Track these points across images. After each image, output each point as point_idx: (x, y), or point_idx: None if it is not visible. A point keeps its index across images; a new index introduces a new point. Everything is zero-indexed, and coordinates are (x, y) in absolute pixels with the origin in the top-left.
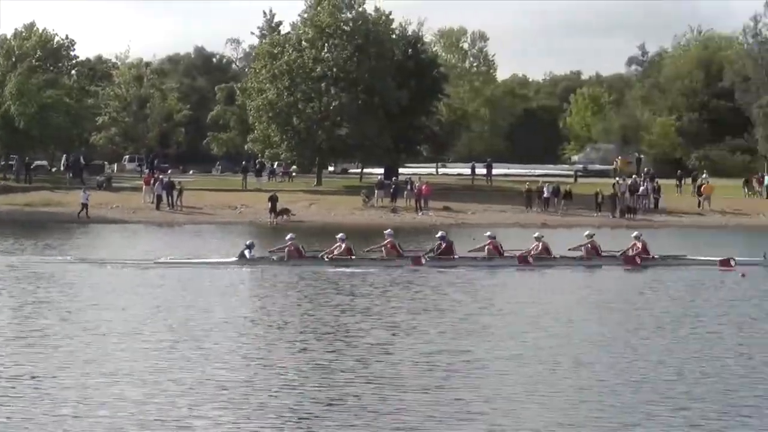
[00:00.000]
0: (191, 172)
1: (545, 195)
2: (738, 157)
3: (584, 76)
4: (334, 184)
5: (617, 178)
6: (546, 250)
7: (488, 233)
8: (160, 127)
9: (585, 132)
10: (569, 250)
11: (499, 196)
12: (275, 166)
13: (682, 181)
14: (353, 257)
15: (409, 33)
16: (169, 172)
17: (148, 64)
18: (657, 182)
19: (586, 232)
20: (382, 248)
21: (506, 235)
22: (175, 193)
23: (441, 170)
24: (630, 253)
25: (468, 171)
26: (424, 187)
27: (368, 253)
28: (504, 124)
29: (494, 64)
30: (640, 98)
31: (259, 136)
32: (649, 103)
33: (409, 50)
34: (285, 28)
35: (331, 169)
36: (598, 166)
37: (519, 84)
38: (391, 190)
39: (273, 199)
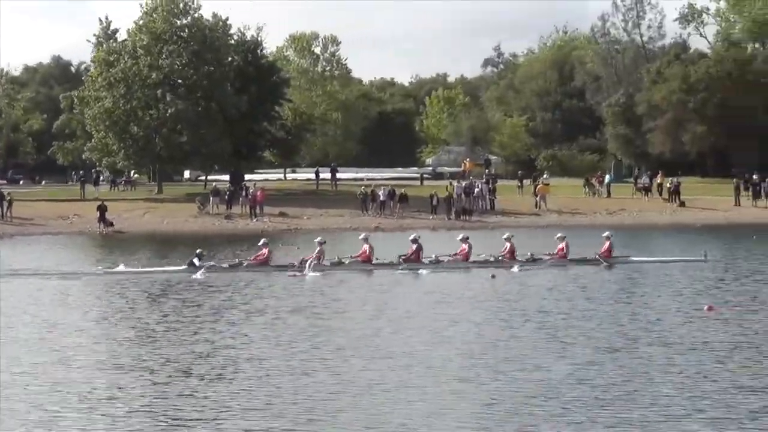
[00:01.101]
0: (43, 182)
1: (381, 198)
2: (587, 156)
3: (450, 78)
4: (176, 191)
5: (451, 180)
6: (512, 252)
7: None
8: (7, 138)
9: (441, 135)
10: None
11: (339, 200)
12: (115, 175)
13: (523, 182)
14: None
15: (248, 38)
16: (21, 182)
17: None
18: (493, 183)
19: (558, 235)
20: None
21: (340, 238)
22: (5, 204)
23: (290, 175)
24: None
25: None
26: (258, 193)
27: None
28: (356, 129)
29: (347, 67)
30: (495, 99)
31: (96, 145)
32: (504, 104)
33: (249, 56)
34: (122, 36)
35: (186, 175)
36: (447, 169)
37: (379, 87)
38: (226, 197)
39: (101, 209)
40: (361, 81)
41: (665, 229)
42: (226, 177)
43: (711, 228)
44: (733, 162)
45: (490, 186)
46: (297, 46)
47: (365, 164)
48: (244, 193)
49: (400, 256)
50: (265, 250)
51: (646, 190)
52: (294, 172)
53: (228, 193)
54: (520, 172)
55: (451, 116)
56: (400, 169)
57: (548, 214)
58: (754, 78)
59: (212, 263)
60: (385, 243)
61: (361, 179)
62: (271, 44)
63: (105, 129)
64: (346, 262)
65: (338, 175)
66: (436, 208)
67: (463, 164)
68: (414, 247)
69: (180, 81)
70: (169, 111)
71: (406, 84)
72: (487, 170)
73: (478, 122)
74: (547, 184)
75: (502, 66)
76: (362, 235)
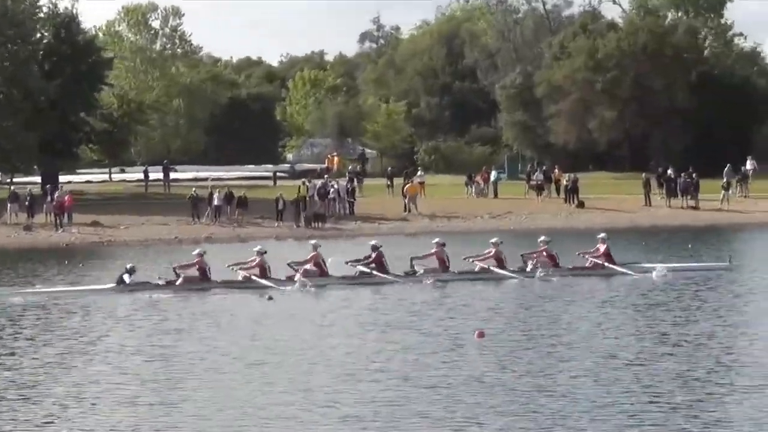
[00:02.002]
0: None
1: (216, 203)
2: (477, 148)
3: (328, 57)
4: None
5: (304, 180)
6: (500, 260)
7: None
8: None
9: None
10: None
11: (171, 206)
12: None
13: (393, 181)
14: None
15: (62, 11)
16: None
17: None
18: (358, 183)
19: (541, 238)
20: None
21: (162, 252)
22: None
23: (118, 176)
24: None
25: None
26: (66, 198)
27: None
28: (203, 117)
29: (191, 44)
30: (372, 81)
31: None
32: (383, 87)
33: (62, 31)
34: None
35: None
36: (307, 166)
37: (237, 69)
38: (27, 203)
39: None
40: (220, 61)
41: (556, 235)
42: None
43: (610, 232)
44: (651, 153)
45: (349, 186)
46: (130, 20)
47: (216, 161)
48: (48, 199)
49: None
50: (198, 260)
51: (540, 188)
52: (123, 171)
53: (29, 198)
54: (389, 168)
55: (317, 102)
56: (251, 167)
57: (419, 219)
58: (674, 52)
59: (147, 281)
60: (222, 255)
61: (204, 179)
62: (98, 18)
63: None
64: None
65: (174, 175)
66: (283, 214)
67: (327, 160)
68: (374, 255)
69: None
70: None
71: (275, 64)
72: (350, 167)
73: (346, 109)
74: (422, 183)
75: (382, 41)
76: (313, 241)
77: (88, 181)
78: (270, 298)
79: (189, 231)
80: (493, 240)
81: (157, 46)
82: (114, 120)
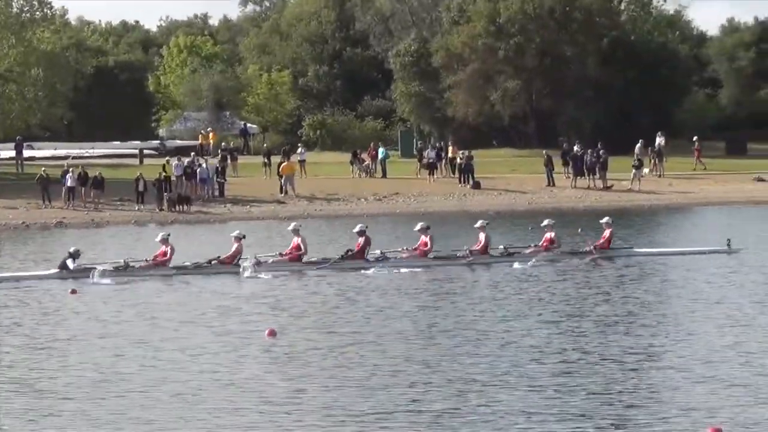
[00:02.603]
0: None
1: (69, 183)
2: (369, 123)
3: (213, 21)
4: None
5: (168, 159)
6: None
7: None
8: None
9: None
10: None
11: (22, 187)
12: None
13: (270, 159)
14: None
15: None
16: None
17: None
18: (232, 161)
19: (544, 223)
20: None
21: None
22: None
23: None
24: (600, 242)
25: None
26: None
27: None
28: (65, 88)
29: (52, 7)
30: (256, 48)
31: None
32: (268, 55)
33: None
34: None
35: None
36: (180, 142)
37: (106, 34)
38: None
39: None
40: (91, 27)
41: (445, 218)
42: None
43: (506, 216)
44: (560, 128)
45: (219, 166)
46: None
47: (83, 137)
48: None
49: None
50: (165, 248)
51: (432, 167)
52: None
53: None
54: (265, 145)
55: (191, 71)
56: (116, 143)
57: (295, 202)
58: (585, 16)
59: (93, 265)
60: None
61: (64, 158)
62: None
63: None
64: (269, 261)
65: (31, 153)
66: (144, 196)
67: (200, 136)
68: (361, 240)
69: None
70: None
71: (155, 29)
72: (223, 144)
73: (223, 79)
74: (302, 161)
75: (267, 4)
76: (292, 226)
77: None
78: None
79: (39, 216)
80: (479, 224)
81: (14, 9)
82: None
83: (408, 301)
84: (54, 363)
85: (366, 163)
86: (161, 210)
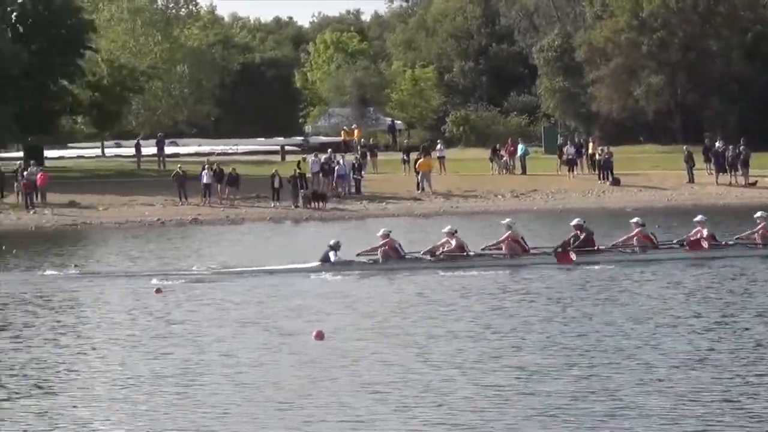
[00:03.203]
0: None
1: (205, 180)
2: (513, 119)
3: (365, 18)
4: None
5: (304, 155)
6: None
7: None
8: None
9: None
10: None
11: (161, 184)
12: None
13: (410, 155)
14: (470, 253)
15: None
16: None
17: None
18: (371, 157)
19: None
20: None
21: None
22: None
23: (113, 151)
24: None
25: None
26: (39, 177)
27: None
28: (210, 85)
29: (197, 3)
30: (402, 44)
31: None
32: (414, 51)
33: None
34: None
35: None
36: (324, 138)
37: (254, 30)
38: None
39: None
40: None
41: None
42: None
43: (644, 214)
44: (704, 124)
45: (356, 162)
46: None
47: (231, 134)
48: (20, 177)
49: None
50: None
51: (572, 163)
52: (119, 146)
53: None
54: (405, 142)
55: (336, 67)
56: (261, 140)
57: (431, 198)
58: (728, 10)
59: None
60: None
61: (209, 154)
62: None
63: None
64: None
65: (175, 150)
66: (279, 192)
67: (343, 132)
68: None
69: None
70: None
71: (307, 25)
72: (363, 141)
73: (366, 75)
74: (442, 158)
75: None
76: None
77: (79, 157)
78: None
79: (174, 212)
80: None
81: (159, 6)
82: (103, 89)
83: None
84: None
85: (504, 159)
86: (296, 207)
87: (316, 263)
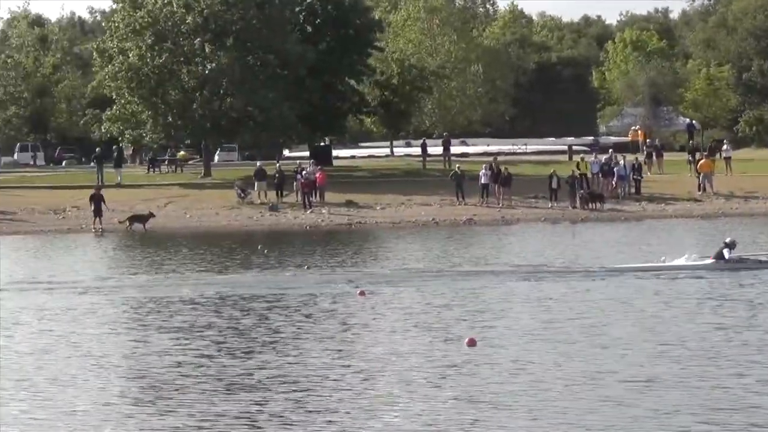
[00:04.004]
0: (63, 162)
1: (482, 180)
2: None
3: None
4: (231, 174)
5: (582, 156)
6: None
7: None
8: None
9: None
10: None
11: (441, 183)
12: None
13: (695, 156)
14: None
15: None
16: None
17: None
18: (657, 157)
19: None
20: None
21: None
22: None
23: (403, 150)
24: None
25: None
26: (317, 176)
27: None
28: (505, 85)
29: (495, 3)
30: (702, 43)
31: (117, 113)
32: (714, 50)
33: None
34: None
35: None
36: (613, 139)
37: (552, 29)
38: (275, 181)
39: (96, 199)
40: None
41: None
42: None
43: None
44: None
45: (636, 163)
46: None
47: (527, 133)
48: (299, 176)
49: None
50: None
51: None
52: (409, 145)
53: (277, 175)
54: (691, 142)
55: (631, 66)
56: (551, 140)
57: (712, 200)
58: None
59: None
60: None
61: (497, 154)
62: None
63: (129, 91)
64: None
65: (464, 149)
66: (557, 193)
67: (631, 132)
68: None
69: (220, 26)
70: (209, 67)
71: (614, 23)
72: (648, 141)
73: (659, 74)
74: (728, 158)
75: None
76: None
77: (371, 156)
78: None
79: (450, 212)
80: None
81: (457, 4)
82: (393, 88)
83: None
84: None
85: None
86: (573, 207)
87: (710, 260)
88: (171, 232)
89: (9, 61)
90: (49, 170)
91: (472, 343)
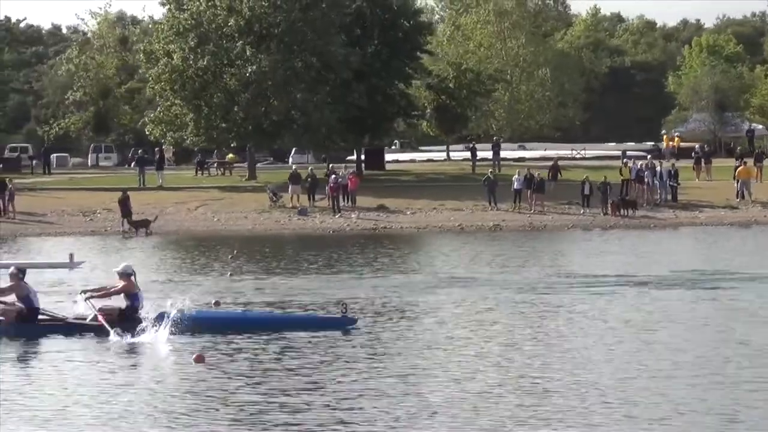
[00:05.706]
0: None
1: (515, 186)
2: None
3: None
4: (278, 177)
5: (625, 161)
6: None
7: None
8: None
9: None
10: None
11: (480, 188)
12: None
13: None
14: None
15: None
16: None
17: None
18: (706, 163)
19: None
20: None
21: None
22: (6, 195)
23: (461, 154)
24: None
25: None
26: (350, 180)
27: None
28: (574, 89)
29: (565, 4)
30: None
31: (160, 115)
32: None
33: None
34: None
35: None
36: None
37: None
38: (308, 185)
39: (124, 202)
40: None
41: None
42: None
43: None
44: None
45: (672, 169)
46: None
47: (599, 139)
48: (332, 181)
49: None
50: None
51: None
52: (467, 150)
53: (310, 179)
54: (739, 148)
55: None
56: (611, 144)
57: (749, 207)
58: None
59: None
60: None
61: (552, 159)
62: None
63: (172, 93)
64: None
65: (519, 154)
66: (589, 199)
67: (664, 139)
68: None
69: (263, 28)
70: (250, 69)
71: (711, 26)
72: (697, 145)
73: (724, 80)
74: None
75: None
76: None
77: (429, 160)
78: None
79: (479, 218)
80: None
81: (529, 7)
82: (450, 92)
83: None
84: None
85: None
86: (605, 214)
87: None
88: (172, 234)
89: (90, 62)
90: (109, 171)
91: (199, 359)
